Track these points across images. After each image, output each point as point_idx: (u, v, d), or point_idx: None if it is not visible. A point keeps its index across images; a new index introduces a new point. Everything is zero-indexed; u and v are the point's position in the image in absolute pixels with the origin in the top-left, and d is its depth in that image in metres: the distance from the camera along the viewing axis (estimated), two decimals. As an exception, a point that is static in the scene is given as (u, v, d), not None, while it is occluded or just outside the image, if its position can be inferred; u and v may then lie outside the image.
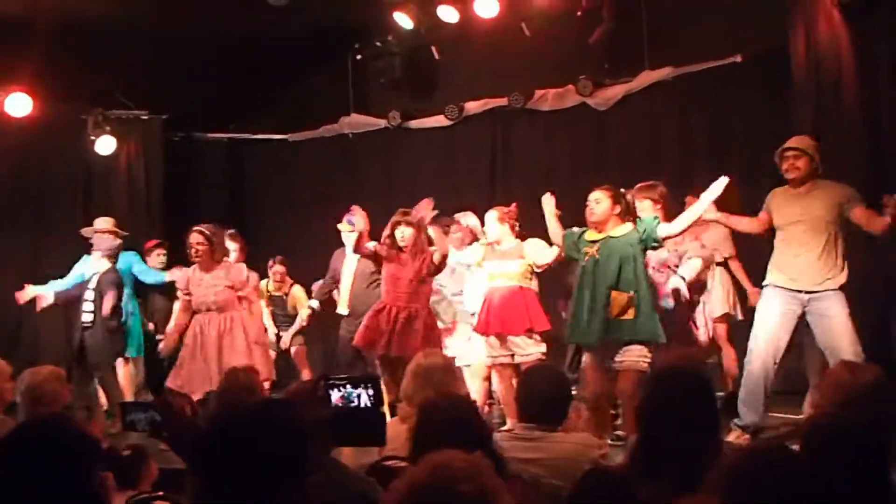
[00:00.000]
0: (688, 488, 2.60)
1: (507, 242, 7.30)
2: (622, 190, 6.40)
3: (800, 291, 6.13)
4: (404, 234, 7.20)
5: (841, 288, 6.09)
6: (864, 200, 6.09)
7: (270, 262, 9.55)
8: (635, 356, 5.97)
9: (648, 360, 5.96)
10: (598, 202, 6.19)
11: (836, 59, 7.04)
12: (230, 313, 7.42)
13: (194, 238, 7.44)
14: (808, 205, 6.18)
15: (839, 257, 6.13)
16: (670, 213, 6.58)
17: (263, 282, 9.62)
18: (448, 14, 9.67)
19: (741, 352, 7.46)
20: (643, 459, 2.97)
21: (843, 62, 7.00)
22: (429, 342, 6.98)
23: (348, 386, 3.07)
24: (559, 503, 3.24)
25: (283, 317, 9.57)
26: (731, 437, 6.21)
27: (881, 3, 6.86)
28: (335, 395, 3.07)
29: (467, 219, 8.31)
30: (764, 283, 6.32)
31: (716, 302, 7.77)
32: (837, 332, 6.00)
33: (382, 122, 11.23)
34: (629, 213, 6.30)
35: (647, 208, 6.70)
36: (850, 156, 6.99)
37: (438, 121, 10.93)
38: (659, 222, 6.13)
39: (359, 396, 3.06)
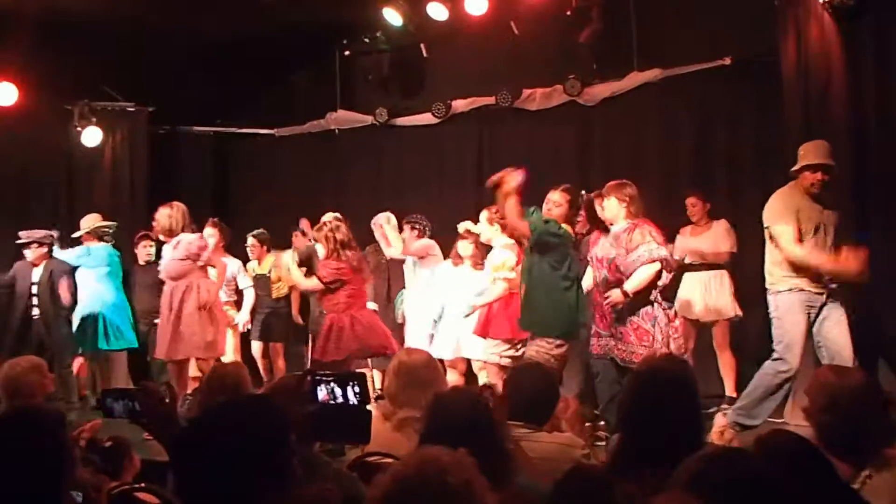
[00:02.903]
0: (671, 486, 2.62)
1: (497, 243, 7.36)
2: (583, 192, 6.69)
3: (820, 293, 6.16)
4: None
5: None
6: None
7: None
8: (533, 349, 6.33)
9: (546, 352, 6.29)
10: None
11: (825, 62, 7.04)
12: (185, 281, 7.74)
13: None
14: (828, 212, 6.18)
15: None
16: (636, 214, 6.58)
17: (251, 264, 9.74)
18: (437, 11, 9.67)
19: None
20: (625, 459, 2.97)
21: (832, 65, 7.01)
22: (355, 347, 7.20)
23: (334, 383, 3.06)
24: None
25: (270, 302, 9.56)
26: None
27: (871, 6, 6.88)
28: (321, 392, 3.05)
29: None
30: (785, 288, 6.18)
31: (725, 305, 7.89)
32: (844, 334, 6.07)
33: (369, 119, 11.20)
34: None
35: (612, 205, 6.69)
36: (838, 159, 6.99)
37: (425, 118, 10.91)
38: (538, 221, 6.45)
39: (345, 393, 3.05)
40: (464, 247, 7.83)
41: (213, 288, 7.92)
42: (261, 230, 9.83)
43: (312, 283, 7.44)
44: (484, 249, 7.82)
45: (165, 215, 7.86)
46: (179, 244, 7.78)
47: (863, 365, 5.74)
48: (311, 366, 7.25)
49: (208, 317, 7.72)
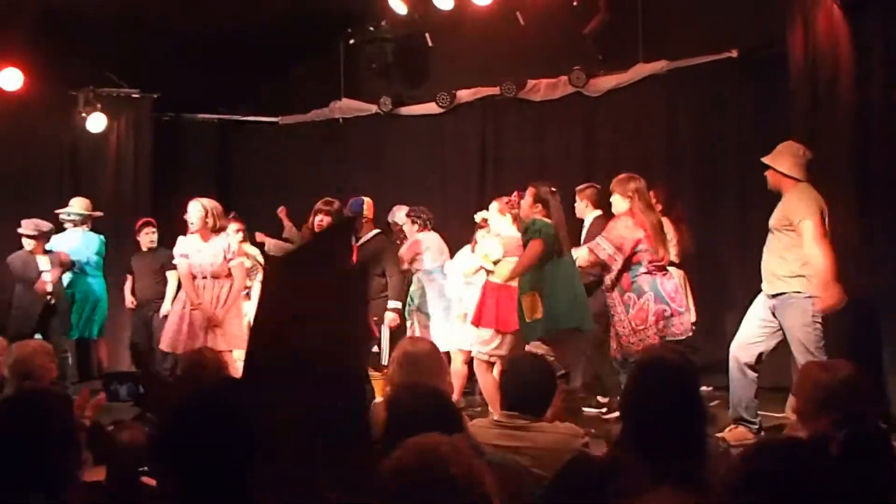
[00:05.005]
0: (671, 477, 2.62)
1: (508, 234, 7.30)
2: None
3: None
4: (322, 221, 7.14)
5: None
6: None
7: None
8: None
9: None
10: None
11: (833, 56, 6.98)
12: (222, 281, 7.55)
13: (196, 207, 7.55)
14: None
15: None
16: (643, 208, 6.66)
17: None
18: (442, 0, 9.65)
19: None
20: (626, 449, 2.97)
21: (840, 59, 6.95)
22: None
23: None
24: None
25: None
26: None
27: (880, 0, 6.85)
28: None
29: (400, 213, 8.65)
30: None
31: None
32: None
33: (373, 108, 11.18)
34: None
35: (616, 201, 6.78)
36: (843, 153, 6.99)
37: (429, 108, 10.90)
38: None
39: None
40: (483, 236, 7.76)
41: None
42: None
43: None
44: None
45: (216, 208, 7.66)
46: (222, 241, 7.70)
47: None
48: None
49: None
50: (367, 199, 8.22)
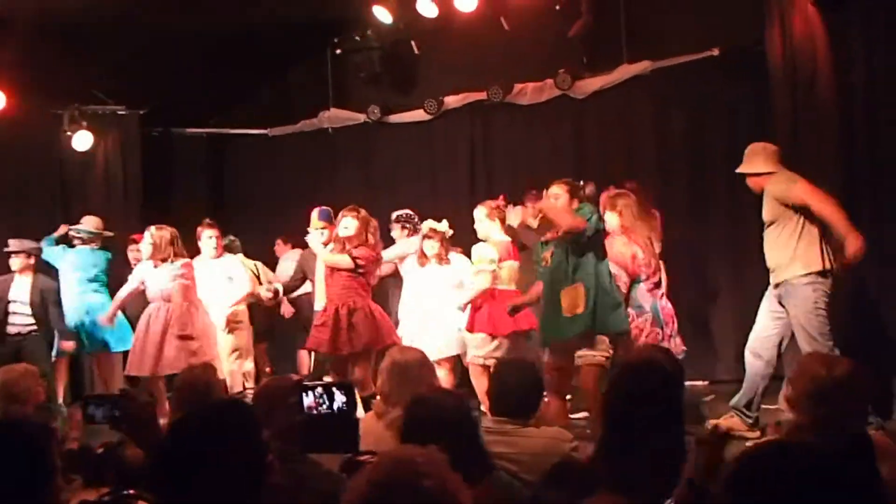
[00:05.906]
0: (654, 479, 2.64)
1: (493, 239, 7.28)
2: (581, 182, 6.47)
3: None
4: (348, 225, 7.19)
5: None
6: None
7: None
8: (592, 350, 6.04)
9: (607, 355, 6.04)
10: (557, 198, 6.20)
11: (811, 52, 7.06)
12: (174, 304, 7.79)
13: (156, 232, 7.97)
14: None
15: None
16: (632, 222, 6.69)
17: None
18: (427, 8, 9.68)
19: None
20: (608, 451, 2.97)
21: (818, 56, 7.02)
22: (374, 336, 7.06)
23: (321, 391, 3.06)
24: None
25: None
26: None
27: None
28: (308, 400, 3.05)
29: None
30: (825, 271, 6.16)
31: None
32: None
33: (362, 117, 11.20)
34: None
35: (607, 216, 6.82)
36: (826, 148, 7.03)
37: (418, 115, 10.92)
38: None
39: (332, 401, 3.04)
40: (429, 245, 7.78)
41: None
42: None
43: (345, 261, 7.18)
44: (449, 247, 7.83)
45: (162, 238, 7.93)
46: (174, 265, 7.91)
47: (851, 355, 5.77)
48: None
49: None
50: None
